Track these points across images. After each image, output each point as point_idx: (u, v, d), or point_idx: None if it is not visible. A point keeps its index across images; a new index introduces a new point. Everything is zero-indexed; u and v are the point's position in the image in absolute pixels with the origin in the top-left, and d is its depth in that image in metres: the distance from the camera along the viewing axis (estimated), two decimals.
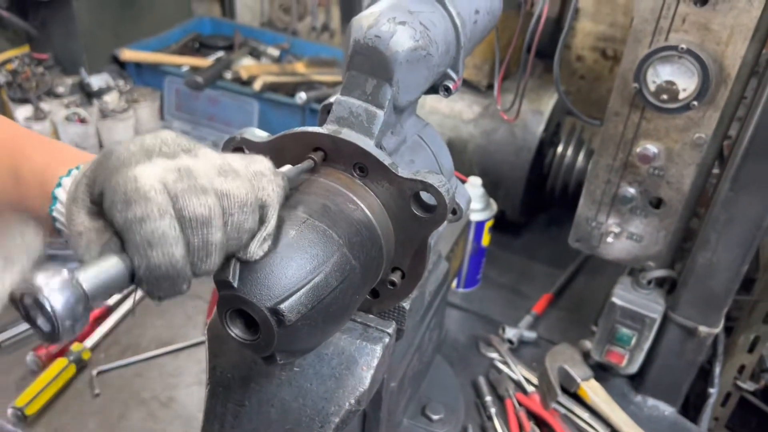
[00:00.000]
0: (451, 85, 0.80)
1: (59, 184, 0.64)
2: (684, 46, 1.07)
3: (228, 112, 2.09)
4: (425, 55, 0.73)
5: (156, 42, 2.29)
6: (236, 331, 0.65)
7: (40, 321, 0.51)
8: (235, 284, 0.62)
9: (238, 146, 0.78)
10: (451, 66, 0.80)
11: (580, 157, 1.71)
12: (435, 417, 1.23)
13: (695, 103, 1.10)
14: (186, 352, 1.41)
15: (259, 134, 0.78)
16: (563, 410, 1.33)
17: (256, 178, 0.61)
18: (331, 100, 0.93)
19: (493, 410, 1.31)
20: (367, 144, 0.72)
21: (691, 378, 1.36)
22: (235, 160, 0.62)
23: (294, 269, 0.63)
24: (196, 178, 0.56)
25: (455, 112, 1.72)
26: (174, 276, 0.55)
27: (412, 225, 0.74)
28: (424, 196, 0.72)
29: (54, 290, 0.50)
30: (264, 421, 0.80)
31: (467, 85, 1.72)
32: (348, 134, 0.72)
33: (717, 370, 1.47)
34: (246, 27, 2.49)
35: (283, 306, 0.61)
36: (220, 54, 2.36)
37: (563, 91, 1.34)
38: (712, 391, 1.45)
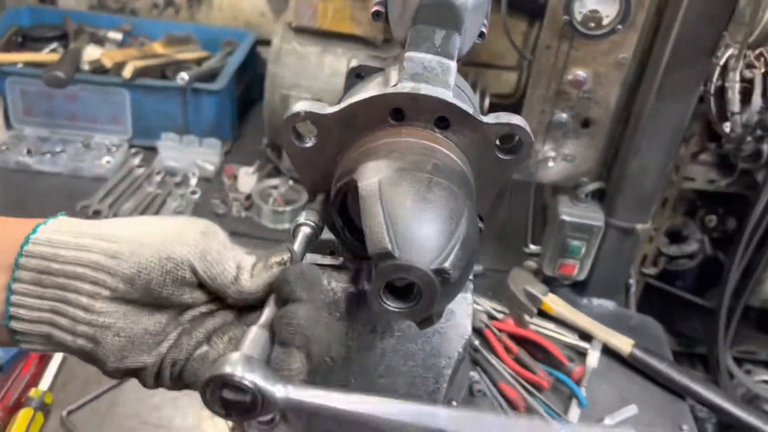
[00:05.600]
0: (484, 29, 0.82)
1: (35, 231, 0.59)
2: None
3: (92, 108, 1.88)
4: (483, 1, 0.74)
5: None
6: (393, 304, 0.63)
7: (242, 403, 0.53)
8: (396, 254, 0.60)
9: (302, 121, 0.73)
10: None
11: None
12: None
13: (620, 27, 1.23)
14: None
15: (320, 105, 0.74)
16: (534, 326, 1.45)
17: None
18: (353, 64, 0.91)
19: (476, 342, 1.39)
20: (449, 96, 0.72)
21: (627, 273, 1.55)
22: None
23: (442, 227, 0.63)
24: None
25: None
26: None
27: (494, 169, 0.76)
28: (505, 138, 0.74)
29: (245, 370, 0.53)
30: (375, 393, 0.79)
31: (364, 41, 1.73)
32: (428, 89, 0.72)
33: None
34: (74, 12, 2.23)
35: (447, 264, 0.61)
36: (54, 45, 2.09)
37: None
38: (632, 282, 1.67)
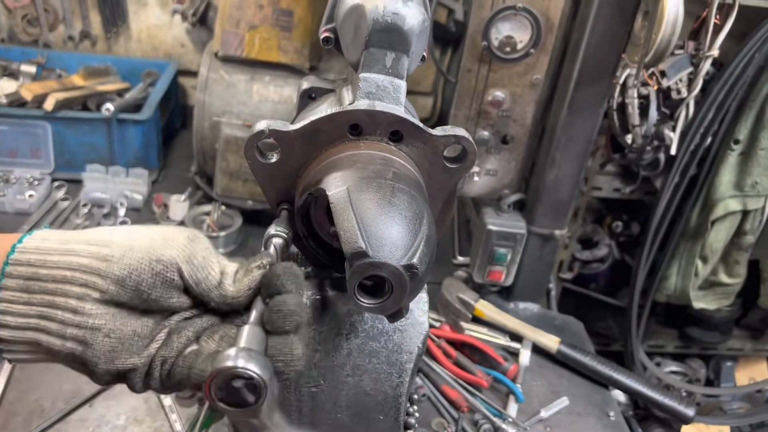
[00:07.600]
0: (425, 54, 0.91)
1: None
2: (520, 4, 1.31)
3: (9, 141, 1.83)
4: (427, 26, 0.83)
5: None
6: (367, 301, 0.69)
7: (244, 395, 0.56)
8: (370, 253, 0.67)
9: (266, 138, 0.78)
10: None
11: None
12: None
13: (533, 50, 1.36)
14: (101, 396, 1.28)
15: (282, 123, 0.80)
16: (468, 331, 1.53)
17: None
18: (305, 86, 0.97)
19: None
20: (401, 111, 0.80)
21: (548, 277, 1.67)
22: None
23: (408, 228, 0.70)
24: None
25: (285, 97, 1.77)
26: None
27: (442, 177, 0.84)
28: (451, 149, 0.82)
29: (248, 361, 0.56)
30: (343, 392, 0.84)
31: (291, 69, 1.79)
32: (382, 106, 0.79)
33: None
34: None
35: (414, 260, 0.68)
36: None
37: None
38: (551, 285, 1.79)
